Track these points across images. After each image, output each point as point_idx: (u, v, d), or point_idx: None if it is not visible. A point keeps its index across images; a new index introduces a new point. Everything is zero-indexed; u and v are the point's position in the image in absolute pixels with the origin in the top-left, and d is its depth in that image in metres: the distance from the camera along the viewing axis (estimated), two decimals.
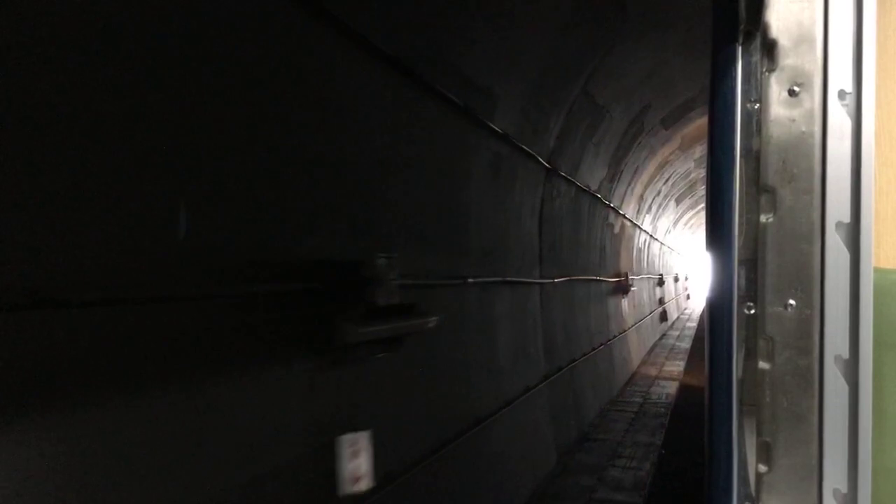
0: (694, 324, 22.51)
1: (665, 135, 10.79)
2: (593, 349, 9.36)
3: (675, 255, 25.21)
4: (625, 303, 12.43)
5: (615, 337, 11.20)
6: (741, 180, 1.28)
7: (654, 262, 18.53)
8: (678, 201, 18.65)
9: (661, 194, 15.39)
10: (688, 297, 29.76)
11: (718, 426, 1.27)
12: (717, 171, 1.28)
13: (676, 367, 13.12)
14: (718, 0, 1.33)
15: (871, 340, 1.17)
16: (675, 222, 21.89)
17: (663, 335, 18.21)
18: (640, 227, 14.55)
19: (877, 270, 1.19)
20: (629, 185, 11.58)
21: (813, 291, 1.21)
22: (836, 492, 1.19)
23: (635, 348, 13.15)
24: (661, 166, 12.78)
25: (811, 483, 1.20)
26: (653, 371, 12.60)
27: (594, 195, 9.39)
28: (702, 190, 17.81)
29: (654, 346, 15.96)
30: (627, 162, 10.44)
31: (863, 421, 1.17)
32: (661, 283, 19.13)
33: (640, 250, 15.25)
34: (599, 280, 10.32)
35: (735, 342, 1.27)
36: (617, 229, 11.73)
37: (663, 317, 18.77)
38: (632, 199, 12.42)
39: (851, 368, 1.18)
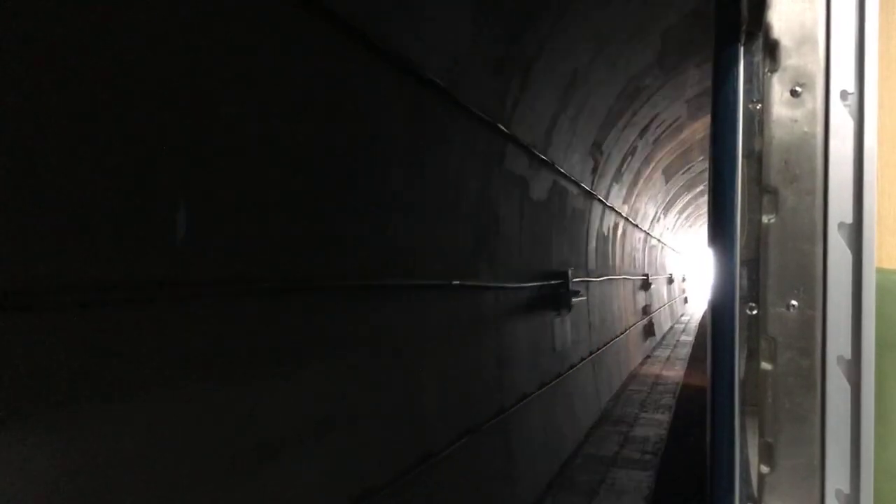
0: (690, 338, 16.77)
1: (631, 19, 5.88)
2: (428, 456, 3.88)
3: (668, 251, 20.46)
4: (563, 326, 7.36)
5: (527, 398, 5.74)
6: (743, 181, 1.28)
7: (634, 259, 13.66)
8: (667, 175, 13.29)
9: (637, 154, 9.95)
10: (685, 300, 25.85)
11: (720, 427, 1.27)
12: (720, 171, 1.28)
13: (654, 426, 7.80)
14: (720, 1, 1.34)
15: (873, 341, 1.17)
16: (666, 207, 16.58)
17: (646, 358, 13.14)
18: (602, 202, 9.40)
19: (879, 271, 1.19)
20: (562, 111, 6.17)
21: (815, 292, 1.21)
22: (838, 492, 1.19)
23: (584, 403, 7.89)
24: (631, 95, 7.54)
25: (813, 483, 1.20)
26: (610, 443, 7.09)
27: (433, 85, 3.93)
28: (701, 164, 13.21)
29: (626, 384, 10.44)
30: (543, 54, 5.15)
31: (865, 421, 1.17)
32: (645, 286, 14.45)
33: (604, 239, 10.19)
34: (480, 287, 5.00)
35: (737, 343, 1.27)
36: (540, 192, 6.46)
37: (648, 331, 14.11)
38: (574, 142, 7.05)
39: (853, 369, 1.18)
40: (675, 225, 20.62)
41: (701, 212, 21.63)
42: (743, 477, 1.26)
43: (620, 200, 10.96)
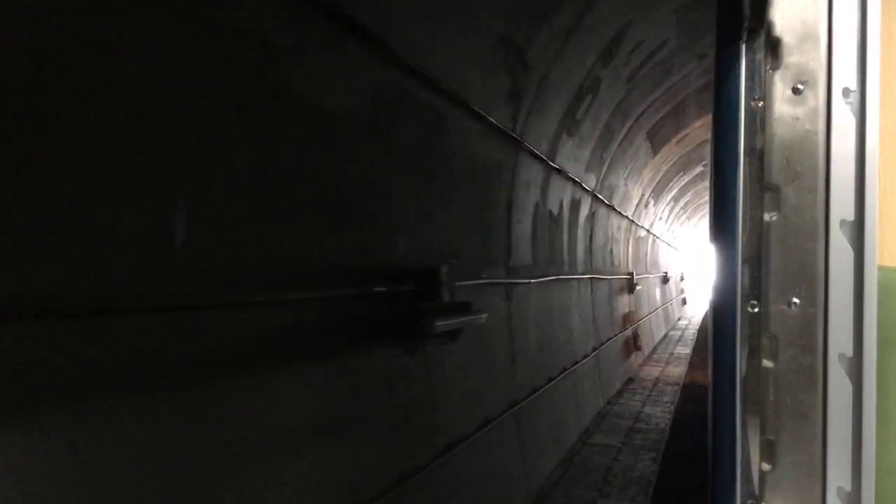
0: (687, 349, 13.67)
1: None
2: None
3: (662, 245, 17.80)
4: (429, 372, 4.06)
5: None
6: (745, 178, 1.28)
7: (612, 253, 10.55)
8: (654, 142, 9.87)
9: (603, 93, 6.79)
10: (683, 301, 23.30)
11: (722, 424, 1.27)
12: (722, 168, 1.28)
13: None
14: None
15: (874, 338, 1.17)
16: (657, 190, 13.00)
17: (627, 383, 9.94)
18: (541, 159, 6.05)
19: (880, 268, 1.19)
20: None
21: (817, 289, 1.21)
22: (839, 490, 1.19)
23: None
24: None
25: (815, 481, 1.20)
26: None
27: None
28: (700, 131, 10.42)
29: (589, 431, 7.21)
30: None
31: (866, 419, 1.17)
32: (629, 287, 11.66)
33: (552, 219, 6.91)
34: None
35: (739, 340, 1.27)
36: (335, 94, 3.14)
37: (632, 345, 11.18)
38: (446, 17, 3.74)
39: (855, 366, 1.18)
40: (669, 215, 17.27)
41: (701, 200, 18.58)
42: (744, 475, 1.26)
43: (582, 165, 7.41)
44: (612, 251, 10.55)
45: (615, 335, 10.16)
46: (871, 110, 1.18)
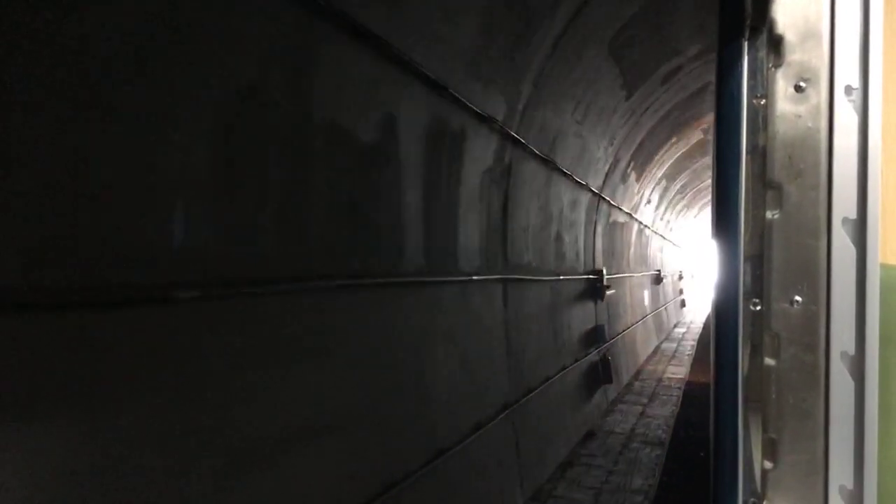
0: (683, 371, 10.36)
1: None
2: None
3: (654, 237, 14.69)
4: None
5: None
6: (747, 176, 1.28)
7: (560, 240, 7.07)
8: (625, 68, 5.98)
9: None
10: (682, 303, 20.64)
11: (724, 423, 1.27)
12: (724, 166, 1.28)
13: None
14: None
15: (877, 336, 1.17)
16: (635, 153, 8.68)
17: (585, 441, 6.38)
18: (316, 4, 2.61)
19: (883, 266, 1.19)
20: None
21: (819, 288, 1.21)
22: (841, 488, 1.18)
23: None
24: None
25: (817, 480, 1.20)
26: None
27: None
28: (697, 68, 6.42)
29: None
30: None
31: (869, 417, 1.17)
32: (595, 292, 8.41)
33: (358, 156, 3.25)
34: None
35: (741, 338, 1.27)
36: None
37: (598, 376, 7.73)
38: None
39: (857, 365, 1.18)
40: (661, 200, 13.51)
41: (702, 183, 15.28)
42: (746, 473, 1.26)
43: (459, 59, 3.98)
44: (559, 238, 6.89)
45: (564, 368, 6.60)
46: (874, 108, 1.18)
